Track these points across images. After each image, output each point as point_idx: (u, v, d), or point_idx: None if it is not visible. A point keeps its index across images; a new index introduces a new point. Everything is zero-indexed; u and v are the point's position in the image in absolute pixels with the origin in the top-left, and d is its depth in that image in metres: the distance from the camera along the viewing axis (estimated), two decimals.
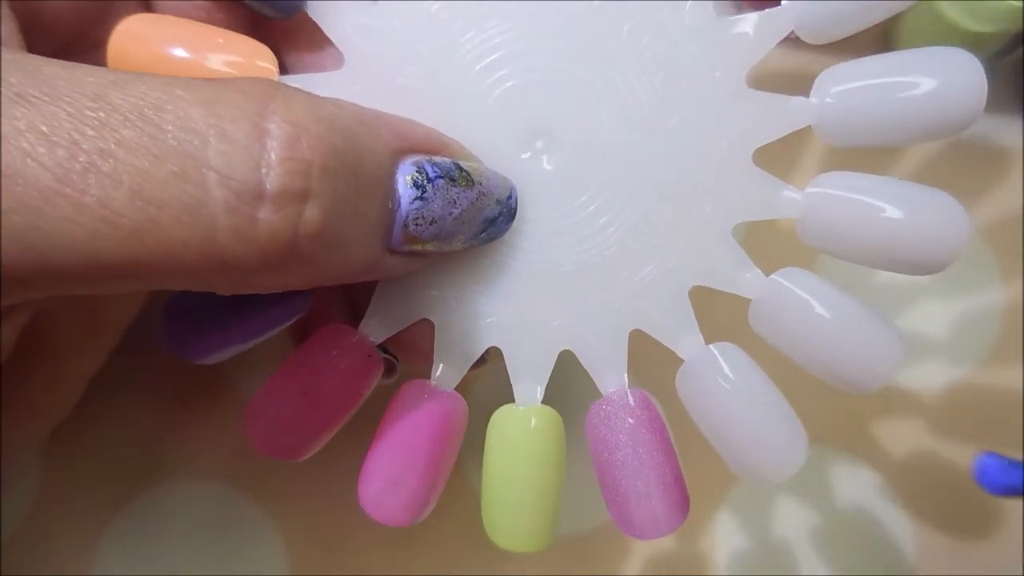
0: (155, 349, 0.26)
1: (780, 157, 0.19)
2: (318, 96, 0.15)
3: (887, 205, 0.18)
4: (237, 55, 0.18)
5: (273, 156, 0.14)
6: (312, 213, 0.14)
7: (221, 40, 0.18)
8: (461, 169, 0.16)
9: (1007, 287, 0.28)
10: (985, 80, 0.17)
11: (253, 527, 0.27)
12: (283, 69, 0.18)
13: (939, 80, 0.17)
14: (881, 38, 0.29)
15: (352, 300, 0.21)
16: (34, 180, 0.13)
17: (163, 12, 0.18)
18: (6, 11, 0.16)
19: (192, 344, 0.19)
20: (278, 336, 0.19)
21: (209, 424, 0.27)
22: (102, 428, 0.27)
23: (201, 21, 0.18)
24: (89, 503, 0.27)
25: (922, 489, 0.27)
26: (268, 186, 0.14)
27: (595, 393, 0.19)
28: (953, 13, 0.25)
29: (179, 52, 0.17)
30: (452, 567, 0.26)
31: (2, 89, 0.13)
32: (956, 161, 0.29)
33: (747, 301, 0.18)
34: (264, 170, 0.14)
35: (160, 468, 0.27)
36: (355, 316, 0.19)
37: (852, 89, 0.18)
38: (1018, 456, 0.23)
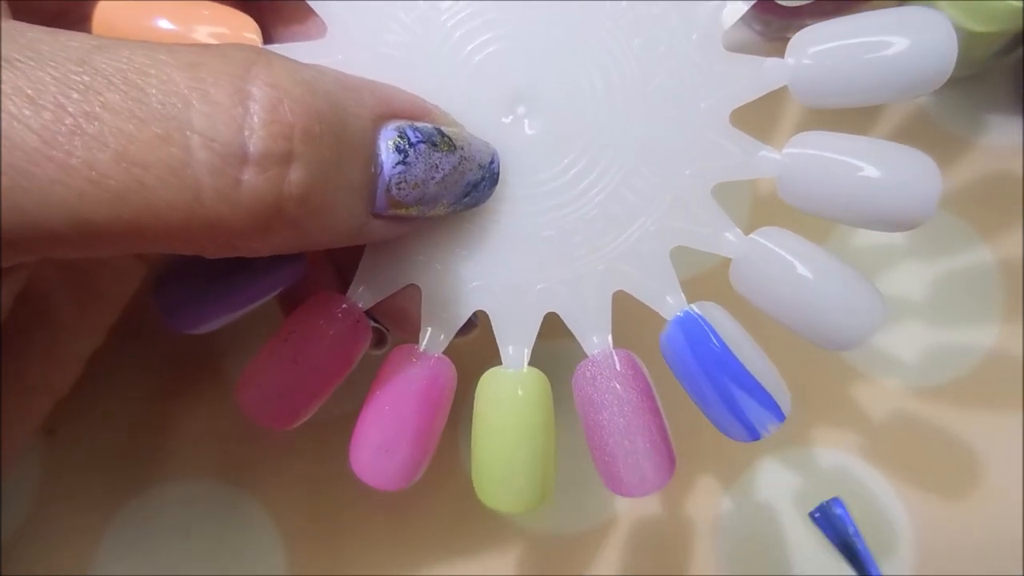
0: (154, 348, 0.26)
1: (758, 120, 0.19)
2: (300, 62, 0.15)
3: (864, 164, 0.18)
4: (222, 27, 0.18)
5: (256, 119, 0.14)
6: (296, 175, 0.14)
7: (206, 12, 0.18)
8: (443, 134, 0.17)
9: (1008, 286, 0.28)
10: (955, 38, 0.18)
11: (253, 527, 0.27)
12: (268, 41, 0.18)
13: (911, 39, 0.18)
14: None
15: (341, 269, 0.21)
16: (20, 142, 0.13)
17: None
18: None
19: (182, 314, 0.19)
20: (276, 322, 0.20)
21: (209, 423, 0.27)
22: (102, 428, 0.27)
23: None
24: (89, 503, 0.27)
25: (904, 451, 0.27)
26: (251, 148, 0.14)
27: (581, 355, 0.19)
28: (953, 13, 0.25)
29: (164, 24, 0.18)
30: (450, 565, 0.27)
31: None
32: (956, 161, 0.29)
33: (727, 263, 0.19)
34: (247, 132, 0.14)
35: (160, 468, 0.27)
36: (344, 286, 0.19)
37: (827, 49, 0.18)
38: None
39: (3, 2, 0.16)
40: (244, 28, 0.18)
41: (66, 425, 0.21)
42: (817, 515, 0.17)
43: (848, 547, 0.18)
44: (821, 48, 0.18)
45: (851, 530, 0.18)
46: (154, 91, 0.14)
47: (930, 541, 0.26)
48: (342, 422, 0.19)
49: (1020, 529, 0.26)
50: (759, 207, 0.27)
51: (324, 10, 0.18)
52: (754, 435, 0.19)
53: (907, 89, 0.18)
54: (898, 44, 0.18)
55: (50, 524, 0.27)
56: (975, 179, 0.28)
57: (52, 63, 0.13)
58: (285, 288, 0.20)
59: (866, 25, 0.18)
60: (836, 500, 0.18)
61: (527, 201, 0.18)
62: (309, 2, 0.18)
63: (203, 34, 0.18)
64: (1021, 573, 0.26)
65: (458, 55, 0.18)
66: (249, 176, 0.14)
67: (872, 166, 0.18)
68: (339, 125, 0.15)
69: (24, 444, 0.21)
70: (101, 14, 0.18)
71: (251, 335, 0.20)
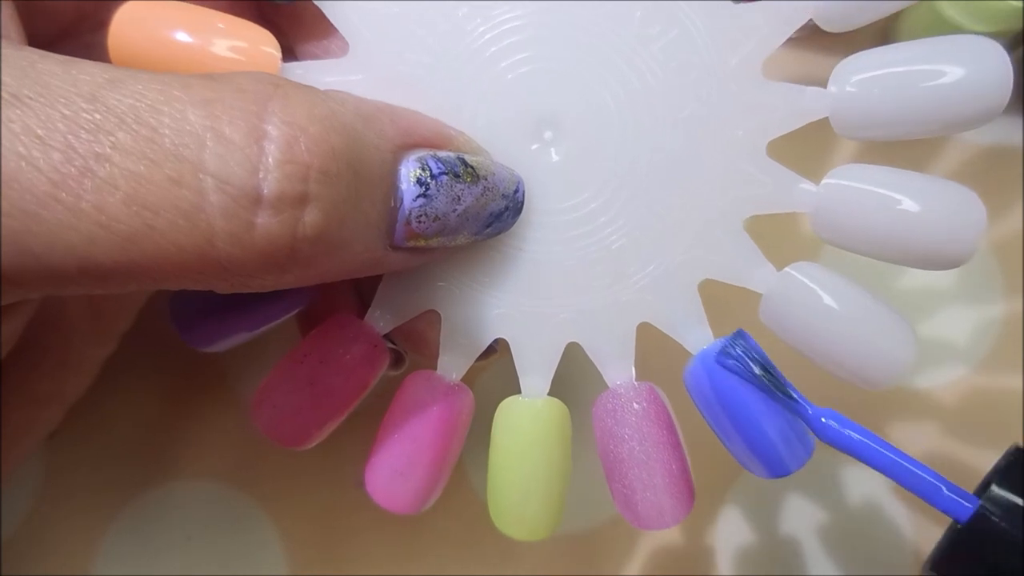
0: (156, 350, 0.26)
1: (802, 154, 0.19)
2: (319, 91, 0.15)
3: (903, 197, 0.17)
4: (241, 40, 0.17)
5: (271, 159, 0.13)
6: (311, 217, 0.14)
7: (224, 25, 0.17)
8: (466, 164, 0.16)
9: (1008, 286, 0.28)
10: (1011, 69, 0.17)
11: (253, 527, 0.27)
12: (287, 55, 0.18)
13: (966, 69, 0.17)
14: (881, 39, 0.28)
15: (360, 289, 0.20)
16: (29, 184, 0.13)
17: None
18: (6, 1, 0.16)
19: (197, 331, 0.19)
20: (283, 334, 0.19)
21: (210, 425, 0.27)
22: (103, 429, 0.27)
23: (204, 6, 0.18)
24: (90, 503, 0.27)
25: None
26: (265, 190, 0.13)
27: (602, 386, 0.18)
28: (953, 13, 0.25)
29: (181, 37, 0.17)
30: (452, 565, 0.27)
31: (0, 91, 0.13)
32: (956, 161, 0.28)
33: (757, 297, 0.18)
34: (262, 174, 0.13)
35: (160, 469, 0.27)
36: (363, 305, 0.19)
37: (874, 77, 0.17)
38: None
39: (15, 15, 0.15)
40: (263, 42, 0.17)
41: (68, 426, 0.21)
42: (729, 362, 0.17)
43: (767, 374, 0.17)
44: (866, 76, 0.17)
45: (762, 357, 0.17)
46: (167, 131, 0.13)
47: (929, 541, 0.26)
48: (347, 427, 0.19)
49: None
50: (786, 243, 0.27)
51: (346, 27, 0.17)
52: (774, 474, 0.18)
53: (958, 122, 0.17)
54: (952, 73, 0.17)
55: (50, 524, 0.27)
56: (975, 179, 0.27)
57: (63, 100, 0.13)
58: (303, 308, 0.19)
59: (917, 53, 0.17)
60: (740, 332, 0.17)
61: (553, 228, 0.18)
62: (330, 18, 0.17)
63: (222, 48, 0.17)
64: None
65: (484, 77, 0.17)
66: (263, 219, 0.13)
67: (911, 199, 0.17)
68: (358, 161, 0.14)
69: (31, 452, 0.21)
70: (118, 23, 0.17)
71: (257, 341, 0.20)
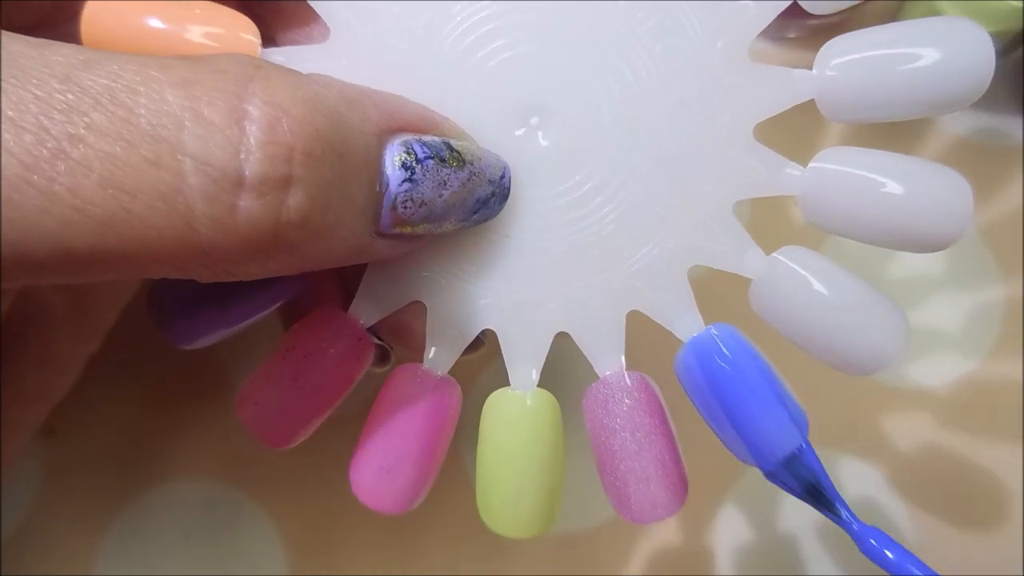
0: (155, 349, 0.26)
1: (789, 137, 0.19)
2: (301, 74, 0.14)
3: (889, 180, 0.17)
4: (218, 27, 0.17)
5: (252, 140, 0.13)
6: (295, 200, 0.13)
7: (200, 11, 0.17)
8: (452, 149, 0.16)
9: (1007, 284, 0.28)
10: (993, 51, 0.17)
11: (253, 527, 0.27)
12: (268, 43, 0.17)
13: (945, 51, 0.17)
14: None
15: (345, 281, 0.20)
16: (1, 168, 0.12)
17: None
18: None
19: (178, 328, 0.19)
20: (278, 331, 0.19)
21: (209, 425, 0.27)
22: (102, 429, 0.27)
23: None
24: (89, 503, 0.27)
25: (925, 484, 0.27)
26: (247, 172, 0.13)
27: (593, 377, 0.18)
28: (953, 13, 0.25)
29: (156, 24, 0.17)
30: (452, 566, 0.26)
31: None
32: (955, 160, 0.29)
33: (747, 283, 0.18)
34: (243, 155, 0.13)
35: (160, 469, 0.27)
36: (347, 297, 0.18)
37: (855, 60, 0.17)
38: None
39: None
40: (241, 28, 0.17)
41: (66, 426, 0.21)
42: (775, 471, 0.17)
43: (816, 491, 0.17)
44: (846, 60, 0.17)
45: (818, 470, 0.17)
46: (143, 111, 0.13)
47: (930, 542, 0.26)
48: (345, 425, 0.19)
49: (1020, 528, 0.26)
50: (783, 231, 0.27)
51: (328, 12, 0.17)
52: (765, 464, 0.18)
53: (939, 104, 0.17)
54: (929, 56, 0.17)
55: (50, 525, 0.26)
56: (975, 179, 0.28)
57: (35, 80, 0.12)
58: (285, 301, 0.19)
59: (897, 36, 0.17)
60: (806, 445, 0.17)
61: (540, 215, 0.18)
62: (312, 4, 0.17)
63: (198, 34, 0.17)
64: (1021, 573, 0.26)
65: (468, 63, 0.17)
66: (245, 202, 0.13)
67: (897, 182, 0.17)
68: (342, 144, 0.14)
69: (22, 450, 0.21)
70: (91, 11, 0.17)
71: (254, 338, 0.20)
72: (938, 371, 0.28)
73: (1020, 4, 0.24)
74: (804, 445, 0.17)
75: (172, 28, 0.17)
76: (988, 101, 0.29)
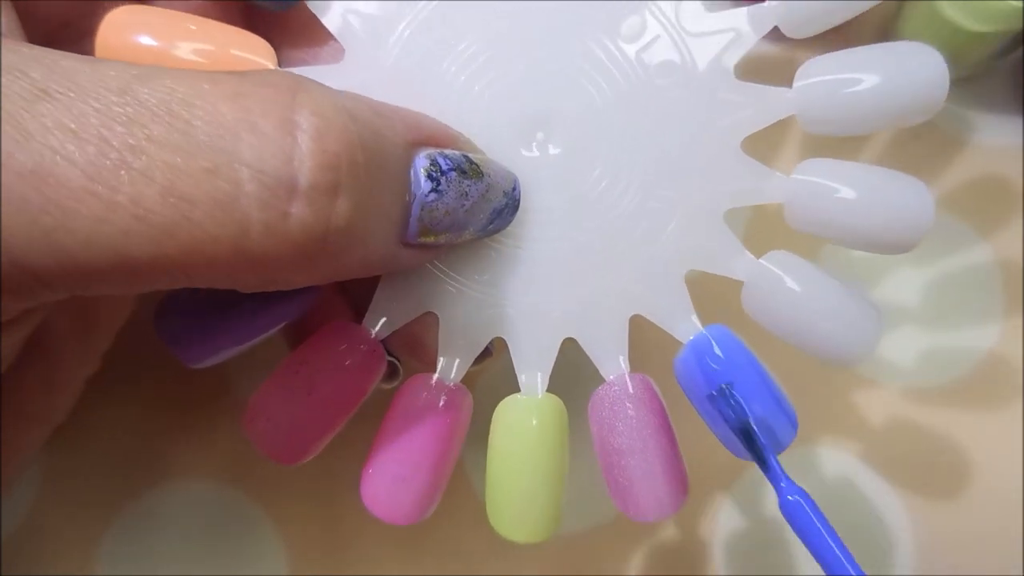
0: (153, 351, 0.25)
1: (760, 144, 0.20)
2: (335, 89, 0.15)
3: (853, 189, 0.18)
4: (236, 49, 0.17)
5: (304, 149, 0.14)
6: (343, 208, 0.14)
7: (217, 34, 0.17)
8: (471, 161, 0.17)
9: (1009, 286, 0.28)
10: (945, 70, 0.18)
11: (253, 527, 0.26)
12: (279, 65, 0.18)
13: (892, 73, 0.18)
14: (882, 38, 0.29)
15: (352, 297, 0.20)
16: (64, 179, 0.12)
17: (158, 5, 0.18)
18: (5, 2, 0.15)
19: (185, 348, 0.19)
20: (277, 336, 0.19)
21: (209, 425, 0.27)
22: (102, 429, 0.26)
23: (195, 15, 0.18)
24: (89, 504, 0.26)
25: (904, 457, 0.27)
26: (301, 180, 0.13)
27: (593, 378, 0.19)
28: (953, 13, 0.26)
29: (170, 47, 0.17)
30: (453, 565, 0.26)
31: (26, 84, 0.12)
32: (955, 160, 0.29)
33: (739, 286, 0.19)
34: (296, 163, 0.13)
35: (160, 469, 0.27)
36: (355, 314, 0.19)
37: (821, 82, 0.19)
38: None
39: (19, 25, 0.15)
40: (256, 51, 0.17)
41: (66, 427, 0.21)
42: (715, 393, 0.17)
43: (746, 431, 0.18)
44: (817, 80, 0.19)
45: (749, 413, 0.18)
46: (200, 123, 0.13)
47: (929, 542, 0.26)
48: (347, 428, 0.19)
49: (1020, 529, 0.26)
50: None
51: (343, 33, 0.18)
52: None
53: (897, 119, 0.19)
54: (876, 78, 0.18)
55: (50, 525, 0.26)
56: (974, 179, 0.28)
57: (93, 94, 0.13)
58: (292, 319, 0.19)
59: (854, 60, 0.18)
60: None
61: (545, 226, 0.18)
62: (325, 23, 0.18)
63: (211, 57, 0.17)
64: (1021, 573, 0.26)
65: (470, 91, 0.18)
66: (297, 208, 0.14)
67: (851, 188, 0.18)
68: (379, 154, 0.15)
69: (22, 471, 0.20)
70: (105, 31, 0.17)
71: (253, 348, 0.20)
72: (906, 342, 0.28)
73: (1020, 4, 0.24)
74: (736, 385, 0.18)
75: (191, 53, 0.17)
76: (988, 101, 0.29)
